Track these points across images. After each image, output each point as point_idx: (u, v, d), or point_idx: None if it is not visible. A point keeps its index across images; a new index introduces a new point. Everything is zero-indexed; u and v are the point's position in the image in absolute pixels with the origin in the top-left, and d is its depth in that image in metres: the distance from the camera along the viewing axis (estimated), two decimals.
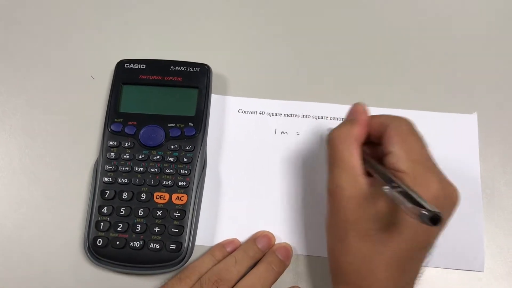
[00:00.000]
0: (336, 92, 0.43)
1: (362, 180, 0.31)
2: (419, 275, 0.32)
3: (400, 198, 0.27)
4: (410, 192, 0.27)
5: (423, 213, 0.24)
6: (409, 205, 0.26)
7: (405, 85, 0.43)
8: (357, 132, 0.33)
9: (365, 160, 0.32)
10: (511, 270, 0.38)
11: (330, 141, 0.33)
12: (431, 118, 0.42)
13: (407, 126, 0.32)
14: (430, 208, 0.25)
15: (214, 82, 0.42)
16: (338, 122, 0.42)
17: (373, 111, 0.38)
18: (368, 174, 0.32)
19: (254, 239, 0.38)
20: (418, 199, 0.26)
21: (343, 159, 0.32)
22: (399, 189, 0.28)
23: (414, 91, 0.43)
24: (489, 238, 0.38)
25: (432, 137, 0.41)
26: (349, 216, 0.31)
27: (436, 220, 0.24)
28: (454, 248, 0.38)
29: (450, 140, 0.41)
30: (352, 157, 0.32)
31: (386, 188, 0.28)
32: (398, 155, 0.31)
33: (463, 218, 0.39)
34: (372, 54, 0.45)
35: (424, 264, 0.32)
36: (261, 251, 0.37)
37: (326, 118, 0.42)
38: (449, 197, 0.31)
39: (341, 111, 0.42)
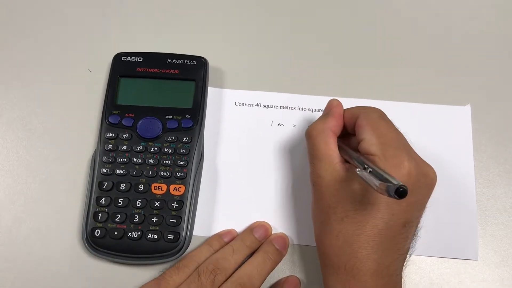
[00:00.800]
0: (332, 85, 0.43)
1: (338, 167, 0.33)
2: (405, 256, 0.33)
3: (370, 177, 0.28)
4: (379, 171, 0.28)
5: (389, 187, 0.26)
6: (377, 182, 0.27)
7: (399, 78, 0.44)
8: (332, 124, 0.35)
9: (341, 149, 0.34)
10: (504, 259, 0.38)
11: (308, 135, 0.36)
12: (425, 110, 0.43)
13: (376, 113, 0.35)
14: (395, 183, 0.26)
15: (211, 75, 0.42)
16: None
17: (368, 103, 0.39)
18: (346, 162, 0.34)
19: (251, 229, 0.38)
20: (386, 176, 0.28)
21: (320, 150, 0.34)
22: (369, 170, 0.29)
23: (409, 84, 0.44)
24: (482, 227, 0.39)
25: (426, 129, 0.42)
26: (329, 201, 0.33)
27: (401, 193, 0.25)
28: (448, 237, 0.39)
29: (444, 131, 0.42)
30: (329, 147, 0.34)
31: (358, 170, 0.30)
32: (369, 140, 0.32)
33: (457, 207, 0.39)
34: (367, 48, 0.45)
35: (408, 244, 0.33)
36: (258, 241, 0.37)
37: (322, 111, 0.42)
38: (424, 175, 0.32)
39: None
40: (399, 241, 0.32)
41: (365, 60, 0.45)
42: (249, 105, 0.43)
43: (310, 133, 0.35)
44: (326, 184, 0.33)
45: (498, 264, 0.38)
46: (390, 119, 0.35)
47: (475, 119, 0.42)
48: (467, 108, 0.43)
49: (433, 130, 0.42)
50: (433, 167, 0.33)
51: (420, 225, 0.34)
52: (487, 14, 0.47)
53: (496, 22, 0.47)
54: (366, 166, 0.30)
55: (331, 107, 0.37)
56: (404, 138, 0.34)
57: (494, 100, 0.43)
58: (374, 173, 0.29)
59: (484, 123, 0.42)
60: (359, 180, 0.31)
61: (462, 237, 0.39)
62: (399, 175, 0.30)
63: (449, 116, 0.42)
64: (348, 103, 0.42)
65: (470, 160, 0.41)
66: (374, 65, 0.45)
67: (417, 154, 0.33)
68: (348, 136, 0.37)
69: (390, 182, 0.27)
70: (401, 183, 0.26)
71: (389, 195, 0.26)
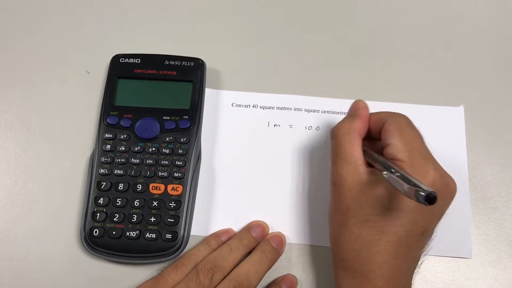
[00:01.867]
0: (327, 86, 0.44)
1: (362, 170, 0.33)
2: (418, 264, 0.33)
3: (398, 181, 0.28)
4: (407, 176, 0.28)
5: (419, 193, 0.26)
6: (406, 186, 0.27)
7: (394, 79, 0.45)
8: (359, 126, 0.35)
9: (365, 152, 0.34)
10: (497, 257, 0.39)
11: (334, 134, 0.35)
12: (419, 111, 0.43)
13: (404, 119, 0.35)
14: (425, 189, 0.26)
15: (208, 77, 0.43)
16: (329, 116, 0.43)
17: None
18: (369, 165, 0.34)
19: (248, 228, 0.38)
20: (415, 181, 0.28)
21: (345, 151, 0.34)
22: (397, 174, 0.29)
23: (403, 85, 0.44)
24: (476, 226, 0.40)
25: (421, 130, 0.42)
26: (350, 203, 0.32)
27: (431, 199, 0.26)
28: (442, 236, 0.39)
29: (438, 132, 0.42)
30: (354, 149, 0.34)
31: (385, 174, 0.30)
32: (396, 146, 0.32)
33: (451, 207, 0.40)
34: (362, 49, 0.46)
35: (421, 253, 0.33)
36: (255, 239, 0.38)
37: (318, 111, 0.43)
38: (446, 186, 0.33)
39: (332, 104, 0.43)
40: (415, 249, 0.32)
41: (359, 62, 0.45)
42: (246, 106, 0.43)
43: (336, 133, 0.35)
44: (348, 185, 0.33)
45: (491, 262, 0.39)
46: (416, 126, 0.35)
47: (468, 120, 0.43)
48: (460, 109, 0.43)
49: (427, 130, 0.41)
50: None
51: (433, 235, 0.34)
52: (479, 15, 0.48)
53: (488, 23, 0.47)
54: (393, 170, 0.30)
55: (357, 109, 0.37)
56: (428, 147, 0.34)
57: (487, 100, 0.44)
58: (402, 178, 0.28)
59: (477, 124, 0.43)
60: (384, 184, 0.31)
61: (456, 235, 0.39)
62: (424, 184, 0.30)
63: (443, 116, 0.43)
64: (342, 104, 0.43)
65: (464, 159, 0.41)
66: (368, 67, 0.45)
67: (439, 165, 0.33)
68: (371, 139, 0.36)
69: (419, 187, 0.27)
70: (431, 190, 0.26)
71: (418, 201, 0.26)
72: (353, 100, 0.43)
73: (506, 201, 0.40)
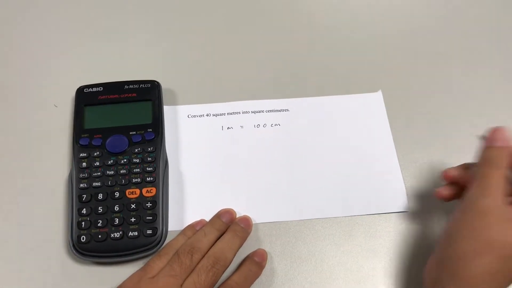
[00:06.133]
0: (266, 89, 0.52)
1: (506, 203, 0.35)
2: None
3: None
4: None
5: None
6: None
7: (318, 75, 0.53)
8: (508, 159, 0.36)
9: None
10: (432, 207, 0.46)
11: (484, 163, 0.37)
12: (342, 101, 0.51)
13: None
14: None
15: (164, 96, 0.49)
16: (272, 114, 0.50)
17: (298, 101, 0.50)
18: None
19: (218, 215, 0.44)
20: None
21: (491, 183, 0.35)
22: None
23: (325, 79, 0.53)
24: (407, 184, 0.47)
25: (347, 117, 0.50)
26: (493, 235, 0.34)
27: None
28: (377, 195, 0.46)
29: (363, 116, 0.50)
30: (500, 182, 0.35)
31: None
32: None
33: (385, 174, 0.47)
34: (289, 53, 0.55)
35: None
36: (226, 224, 0.43)
37: (262, 111, 0.50)
38: None
39: (274, 104, 0.51)
40: None
41: (289, 66, 0.54)
42: (200, 116, 0.50)
43: (486, 163, 0.36)
44: (491, 218, 0.34)
45: (426, 214, 0.46)
46: None
47: (386, 100, 0.51)
48: (379, 94, 0.52)
49: (354, 116, 0.50)
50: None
51: None
52: (395, 7, 0.58)
53: (401, 15, 0.57)
54: None
55: (504, 139, 0.37)
56: None
57: (399, 83, 0.53)
58: None
59: (394, 102, 0.51)
60: None
61: (390, 193, 0.46)
62: None
63: (365, 102, 0.51)
64: (282, 103, 0.51)
65: (388, 132, 0.49)
66: (298, 68, 0.54)
67: None
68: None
69: None
70: None
71: None
72: (291, 99, 0.51)
73: (428, 160, 0.48)
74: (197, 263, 0.40)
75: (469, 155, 0.41)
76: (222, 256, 0.40)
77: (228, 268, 0.41)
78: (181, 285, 0.38)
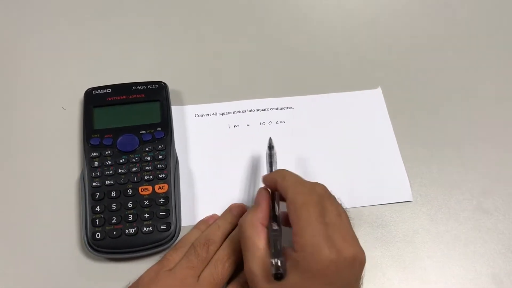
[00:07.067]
0: (270, 88, 0.54)
1: (268, 261, 0.35)
2: None
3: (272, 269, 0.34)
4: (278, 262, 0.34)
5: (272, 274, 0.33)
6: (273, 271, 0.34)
7: (320, 73, 0.55)
8: (261, 217, 0.38)
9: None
10: (435, 196, 0.48)
11: (241, 228, 0.38)
12: (344, 97, 0.53)
13: (302, 197, 0.36)
14: (273, 272, 0.33)
15: (171, 96, 0.50)
16: (277, 112, 0.52)
17: (299, 99, 0.52)
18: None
19: (230, 209, 0.45)
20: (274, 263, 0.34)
21: (251, 243, 0.37)
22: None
23: (327, 77, 0.55)
24: (410, 175, 0.49)
25: (349, 113, 0.52)
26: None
27: (277, 277, 0.33)
28: (382, 186, 0.48)
29: (364, 112, 0.52)
30: (260, 240, 0.36)
31: (273, 261, 0.34)
32: (295, 233, 0.35)
33: (387, 165, 0.49)
34: (292, 52, 0.57)
35: None
36: (237, 217, 0.44)
37: (267, 109, 0.52)
38: (345, 260, 0.34)
39: (277, 102, 0.52)
40: None
41: (292, 63, 0.56)
42: (207, 115, 0.51)
43: (242, 227, 0.38)
44: (258, 279, 0.35)
45: (430, 202, 0.47)
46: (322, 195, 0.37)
47: (386, 96, 0.53)
48: (378, 90, 0.54)
49: (354, 114, 0.52)
50: (344, 206, 0.39)
51: None
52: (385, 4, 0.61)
53: (396, 12, 0.60)
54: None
55: (260, 197, 0.40)
56: (333, 215, 0.36)
57: (398, 78, 0.55)
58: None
59: (394, 97, 0.53)
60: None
61: (394, 183, 0.48)
62: (318, 263, 0.33)
63: (366, 98, 0.53)
64: (285, 101, 0.52)
65: (389, 126, 0.51)
66: (300, 65, 0.56)
67: (343, 235, 0.35)
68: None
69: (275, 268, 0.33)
70: (278, 271, 0.33)
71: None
72: (294, 97, 0.53)
73: (428, 152, 0.50)
74: (213, 255, 0.40)
75: (468, 146, 0.43)
76: (237, 247, 0.41)
77: None
78: (199, 277, 0.39)
